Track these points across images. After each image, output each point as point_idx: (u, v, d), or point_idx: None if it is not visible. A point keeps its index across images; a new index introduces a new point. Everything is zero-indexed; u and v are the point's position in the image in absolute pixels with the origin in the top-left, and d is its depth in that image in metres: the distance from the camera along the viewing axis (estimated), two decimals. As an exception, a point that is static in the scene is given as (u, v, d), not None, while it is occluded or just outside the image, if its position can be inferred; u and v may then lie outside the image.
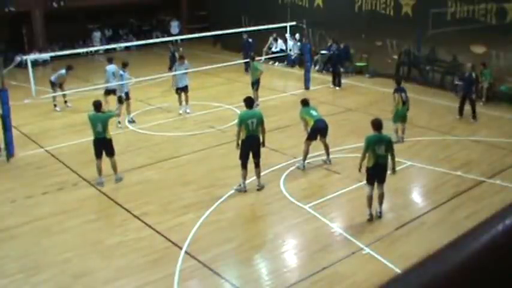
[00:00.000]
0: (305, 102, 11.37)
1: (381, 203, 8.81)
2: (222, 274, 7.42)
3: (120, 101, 14.31)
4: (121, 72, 14.52)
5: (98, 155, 10.59)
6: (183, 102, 15.48)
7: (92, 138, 10.77)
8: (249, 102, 10.12)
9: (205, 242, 8.22)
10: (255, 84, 15.98)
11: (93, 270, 7.57)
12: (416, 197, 10.32)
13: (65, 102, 16.56)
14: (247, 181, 10.43)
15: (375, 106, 15.77)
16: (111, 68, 15.00)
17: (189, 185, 10.45)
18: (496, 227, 1.02)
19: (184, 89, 15.37)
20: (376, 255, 7.65)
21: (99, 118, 10.42)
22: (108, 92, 14.99)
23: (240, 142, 9.82)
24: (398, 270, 6.60)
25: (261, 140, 9.97)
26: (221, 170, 11.11)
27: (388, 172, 8.86)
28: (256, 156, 9.90)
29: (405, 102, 12.41)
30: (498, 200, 9.11)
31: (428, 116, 14.49)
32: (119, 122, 14.16)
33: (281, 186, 10.25)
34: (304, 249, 8.23)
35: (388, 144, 8.64)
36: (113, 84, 14.76)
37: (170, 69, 18.38)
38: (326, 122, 11.06)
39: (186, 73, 15.53)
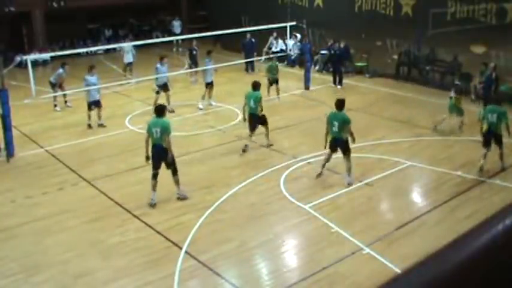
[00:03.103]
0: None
1: (501, 158, 10.72)
2: (222, 274, 7.41)
3: (157, 92, 15.43)
4: (158, 65, 15.44)
5: (252, 129, 11.95)
6: (206, 96, 16.08)
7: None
8: (158, 110, 9.77)
9: (205, 242, 8.21)
10: (274, 82, 16.64)
11: (93, 270, 7.57)
12: (416, 197, 10.32)
13: (65, 102, 16.56)
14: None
15: (375, 106, 15.78)
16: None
17: (189, 185, 10.44)
18: (496, 227, 1.03)
19: (211, 83, 16.06)
20: (376, 255, 7.65)
21: (253, 95, 11.97)
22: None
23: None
24: (398, 270, 6.60)
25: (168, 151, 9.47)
26: (221, 170, 11.11)
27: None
28: (168, 165, 9.57)
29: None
30: (498, 200, 9.10)
31: (428, 116, 14.47)
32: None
33: (281, 186, 10.25)
34: (304, 249, 8.23)
35: (501, 115, 10.47)
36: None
37: (191, 66, 18.93)
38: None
39: (206, 70, 16.25)
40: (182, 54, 24.55)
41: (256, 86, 12.21)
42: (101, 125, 14.36)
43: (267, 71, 16.96)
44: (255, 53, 21.04)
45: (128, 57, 19.82)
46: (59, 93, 16.22)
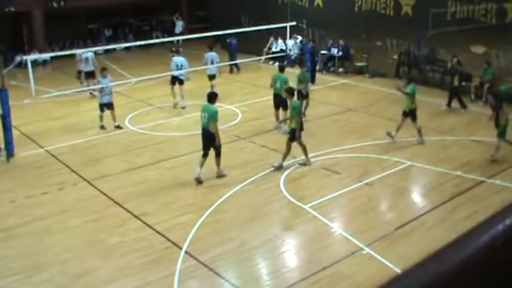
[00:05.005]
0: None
1: (419, 133, 12.29)
2: (222, 274, 7.41)
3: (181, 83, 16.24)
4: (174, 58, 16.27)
5: (276, 108, 13.47)
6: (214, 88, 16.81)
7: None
8: (209, 97, 10.59)
9: (205, 242, 8.22)
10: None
11: (93, 270, 7.57)
12: (416, 197, 10.32)
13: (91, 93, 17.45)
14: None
15: (375, 106, 15.79)
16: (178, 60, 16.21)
17: (189, 185, 10.45)
18: (496, 227, 1.02)
19: (212, 77, 16.94)
20: (376, 255, 7.64)
21: (279, 77, 13.47)
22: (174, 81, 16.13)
23: None
24: (398, 270, 6.60)
25: (215, 136, 10.31)
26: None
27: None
28: (213, 148, 10.45)
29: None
30: (498, 200, 9.10)
31: (428, 116, 14.47)
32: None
33: (281, 186, 10.25)
34: (304, 249, 8.23)
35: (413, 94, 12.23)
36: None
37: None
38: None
39: (213, 64, 17.02)
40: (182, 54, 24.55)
41: (282, 69, 13.85)
42: (117, 127, 14.10)
43: (298, 82, 14.32)
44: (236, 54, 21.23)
45: (85, 65, 18.39)
46: (92, 86, 16.87)
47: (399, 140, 12.64)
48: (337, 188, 10.08)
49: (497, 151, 11.08)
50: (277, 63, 20.89)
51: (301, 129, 11.06)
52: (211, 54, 17.03)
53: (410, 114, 12.24)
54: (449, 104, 15.23)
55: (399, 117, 12.50)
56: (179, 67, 16.02)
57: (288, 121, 11.27)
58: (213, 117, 10.20)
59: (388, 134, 12.41)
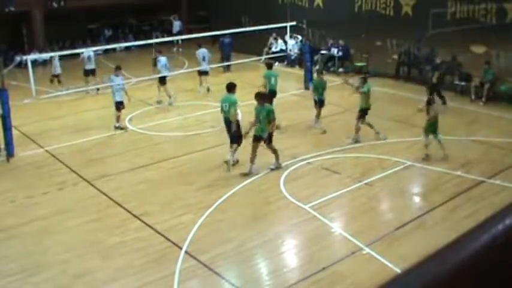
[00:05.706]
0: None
1: (356, 132, 12.48)
2: (222, 274, 7.42)
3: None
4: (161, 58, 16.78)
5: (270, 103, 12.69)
6: (203, 84, 17.53)
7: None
8: (228, 87, 11.20)
9: (205, 242, 8.22)
10: (319, 103, 13.92)
11: (93, 270, 7.57)
12: (416, 197, 10.32)
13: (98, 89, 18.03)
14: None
15: (375, 106, 15.73)
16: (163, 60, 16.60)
17: (189, 185, 10.45)
18: (496, 227, 1.02)
19: (204, 73, 17.67)
20: (376, 255, 7.64)
21: (273, 74, 14.08)
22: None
23: None
24: (398, 270, 6.60)
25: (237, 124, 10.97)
26: (221, 170, 11.09)
27: None
28: (229, 136, 11.10)
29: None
30: (498, 200, 9.10)
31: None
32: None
33: (281, 186, 10.25)
34: (304, 249, 8.23)
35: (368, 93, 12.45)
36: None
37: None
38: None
39: (205, 60, 17.73)
40: (182, 54, 24.58)
41: (270, 66, 14.50)
42: (118, 127, 14.06)
43: (313, 89, 14.15)
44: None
45: (87, 64, 18.41)
46: (95, 86, 17.67)
47: (399, 140, 12.66)
48: (337, 188, 10.08)
49: (426, 148, 11.24)
50: (277, 63, 21.02)
51: (271, 135, 10.93)
52: (202, 51, 17.53)
53: (363, 112, 12.40)
54: (444, 102, 15.16)
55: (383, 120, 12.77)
56: (167, 66, 16.20)
57: (258, 125, 10.73)
58: (234, 104, 10.84)
59: (377, 134, 12.57)
